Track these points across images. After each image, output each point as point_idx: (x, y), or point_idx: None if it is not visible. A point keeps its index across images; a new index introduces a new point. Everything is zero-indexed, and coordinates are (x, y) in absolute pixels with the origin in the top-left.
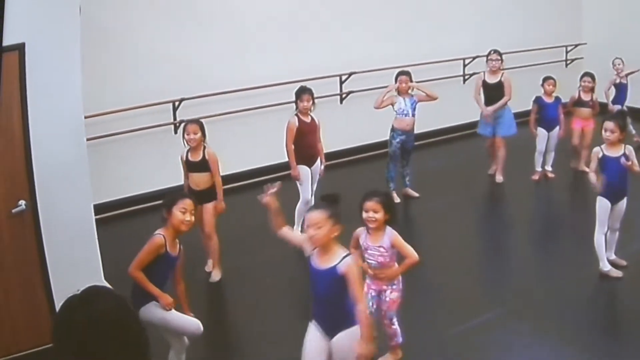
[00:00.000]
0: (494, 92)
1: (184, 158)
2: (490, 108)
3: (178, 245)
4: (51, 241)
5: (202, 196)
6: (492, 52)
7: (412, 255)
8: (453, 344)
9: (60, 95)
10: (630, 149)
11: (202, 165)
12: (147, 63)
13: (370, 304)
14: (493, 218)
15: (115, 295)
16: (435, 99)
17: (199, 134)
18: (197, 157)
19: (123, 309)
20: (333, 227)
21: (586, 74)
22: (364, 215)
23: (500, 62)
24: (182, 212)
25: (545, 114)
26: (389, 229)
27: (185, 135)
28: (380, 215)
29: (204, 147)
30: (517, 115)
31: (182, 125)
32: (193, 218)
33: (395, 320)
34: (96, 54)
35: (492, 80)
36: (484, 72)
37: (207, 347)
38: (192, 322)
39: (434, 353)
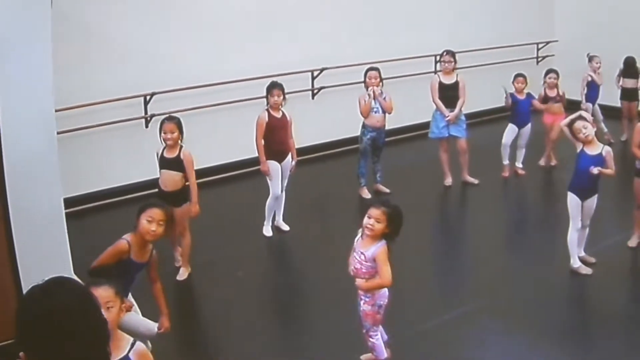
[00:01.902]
0: (451, 93)
1: (159, 154)
2: (454, 113)
3: (150, 252)
4: (21, 234)
5: (172, 198)
6: (444, 53)
7: (385, 277)
8: (424, 339)
9: (31, 88)
10: (608, 150)
11: (175, 164)
12: (119, 57)
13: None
14: (464, 214)
15: (77, 287)
16: (388, 112)
17: (176, 133)
18: (171, 155)
19: (85, 301)
20: (122, 305)
21: (551, 70)
22: (365, 220)
23: (453, 63)
24: (147, 221)
25: (518, 110)
26: (382, 242)
27: (162, 134)
28: (380, 227)
29: (181, 146)
30: (489, 112)
31: (160, 122)
32: (161, 229)
33: (373, 334)
34: (68, 47)
35: (448, 81)
36: (439, 73)
37: (176, 343)
38: (144, 326)
39: (405, 348)
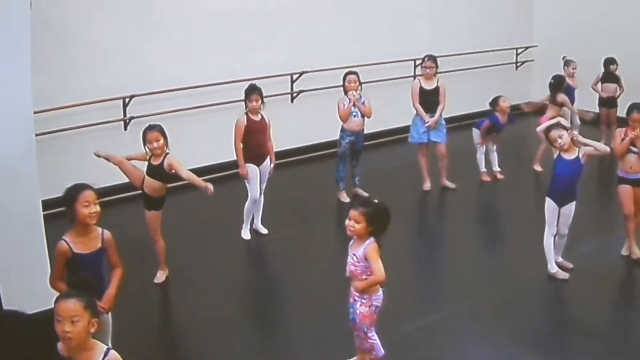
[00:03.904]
0: (431, 98)
1: (147, 157)
2: (435, 118)
3: (100, 237)
4: None
5: (151, 202)
6: (426, 58)
7: (378, 273)
8: (402, 344)
9: (10, 90)
10: (584, 150)
11: (157, 173)
12: (98, 59)
13: (351, 310)
14: (443, 219)
15: (20, 327)
16: (368, 116)
17: (162, 140)
18: (156, 161)
19: (26, 339)
20: (91, 319)
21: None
22: (346, 222)
23: (434, 68)
24: (85, 207)
25: (496, 131)
26: (370, 240)
27: (148, 145)
28: (360, 227)
29: (166, 154)
30: (467, 117)
31: (142, 133)
32: (98, 207)
33: (371, 334)
34: (47, 49)
35: (429, 86)
36: (419, 78)
37: (153, 346)
38: None
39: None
